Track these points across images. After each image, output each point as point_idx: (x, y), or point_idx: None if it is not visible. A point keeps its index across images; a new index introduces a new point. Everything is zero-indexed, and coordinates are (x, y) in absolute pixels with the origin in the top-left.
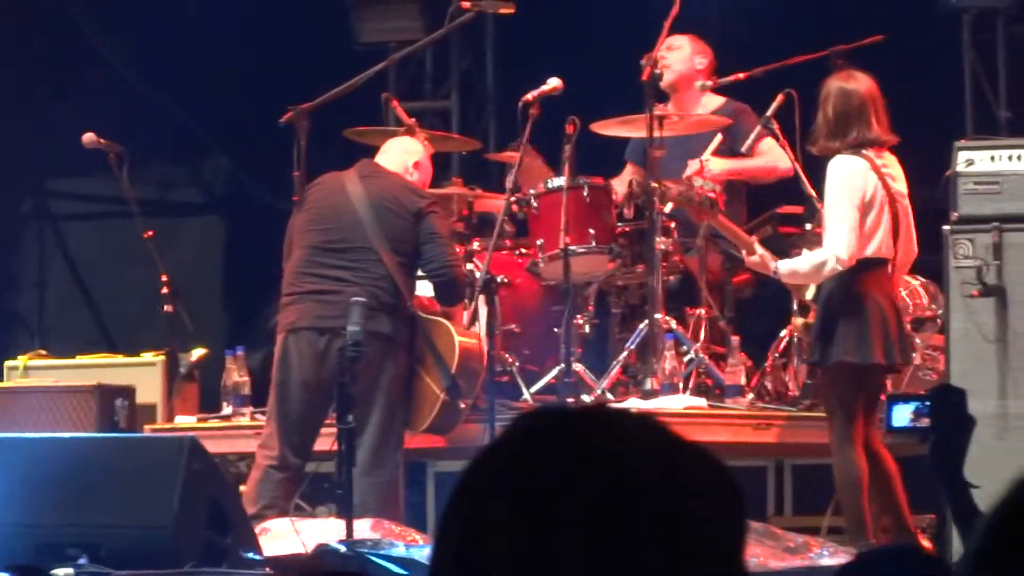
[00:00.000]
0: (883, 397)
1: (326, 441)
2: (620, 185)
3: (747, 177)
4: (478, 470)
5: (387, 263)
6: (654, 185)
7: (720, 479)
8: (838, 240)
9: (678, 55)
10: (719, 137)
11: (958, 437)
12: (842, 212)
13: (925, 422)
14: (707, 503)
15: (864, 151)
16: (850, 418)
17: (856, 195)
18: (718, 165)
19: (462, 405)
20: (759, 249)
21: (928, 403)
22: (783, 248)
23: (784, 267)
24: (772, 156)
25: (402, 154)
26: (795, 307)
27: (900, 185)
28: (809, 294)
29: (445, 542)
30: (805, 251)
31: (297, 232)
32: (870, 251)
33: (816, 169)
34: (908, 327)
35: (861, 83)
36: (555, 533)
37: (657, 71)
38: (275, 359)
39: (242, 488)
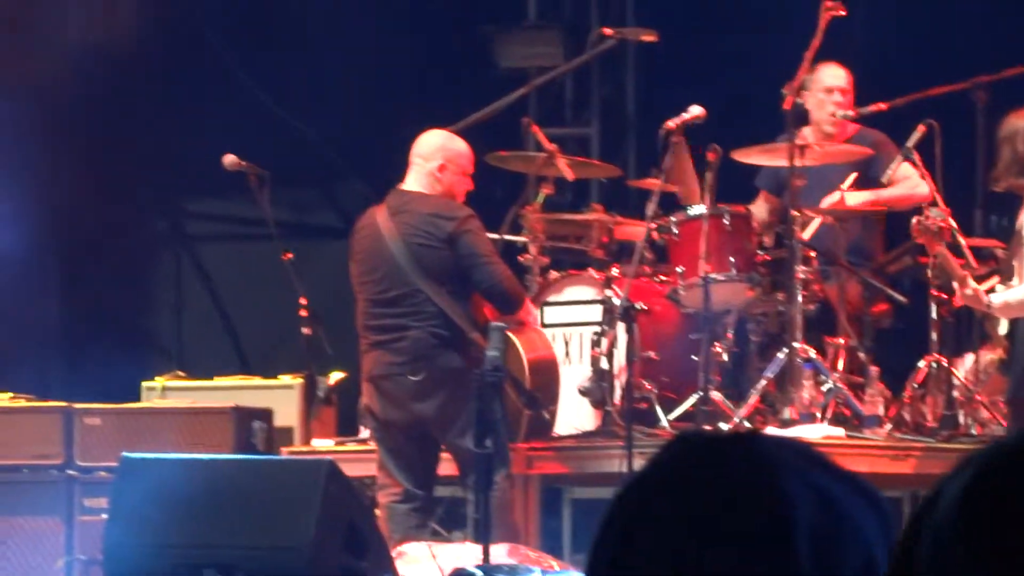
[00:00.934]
0: None
1: (449, 466)
2: (757, 211)
3: (886, 206)
4: (630, 496)
5: (436, 300)
6: (794, 214)
7: (873, 505)
8: None
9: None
10: (854, 175)
11: None
12: None
13: None
14: (860, 529)
15: None
16: None
17: None
18: (856, 198)
19: (547, 415)
20: (972, 283)
21: None
22: (923, 278)
23: (997, 300)
24: (911, 183)
25: (424, 163)
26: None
27: None
28: (1002, 329)
29: (597, 565)
30: (1000, 287)
31: (354, 282)
32: None
33: (957, 201)
34: None
35: None
36: (707, 561)
37: (799, 101)
38: (362, 406)
39: (378, 512)
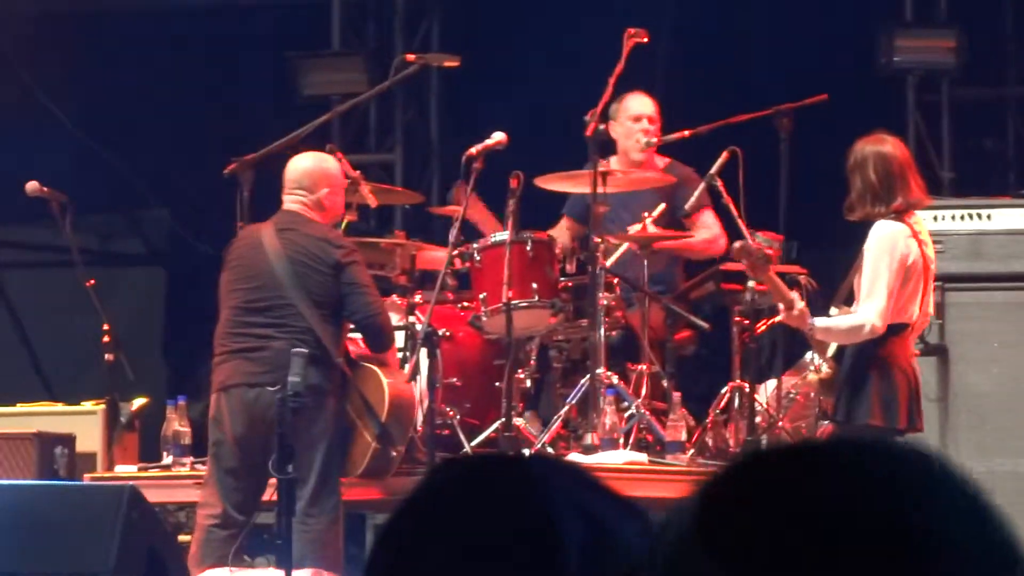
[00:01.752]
0: None
1: (266, 491)
2: (559, 235)
3: (685, 251)
4: (397, 524)
5: (308, 317)
6: (596, 240)
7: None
8: (877, 307)
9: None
10: (662, 206)
11: None
12: (884, 279)
13: None
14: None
15: (904, 217)
16: None
17: (897, 263)
18: (658, 234)
19: (393, 453)
20: (799, 304)
21: None
22: (726, 305)
23: (820, 324)
24: (714, 232)
25: (309, 193)
26: (812, 363)
27: (930, 250)
28: (829, 352)
29: None
30: (834, 310)
31: (223, 291)
32: (898, 317)
33: (760, 227)
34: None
35: (896, 147)
36: None
37: (602, 127)
38: (209, 419)
39: (183, 538)
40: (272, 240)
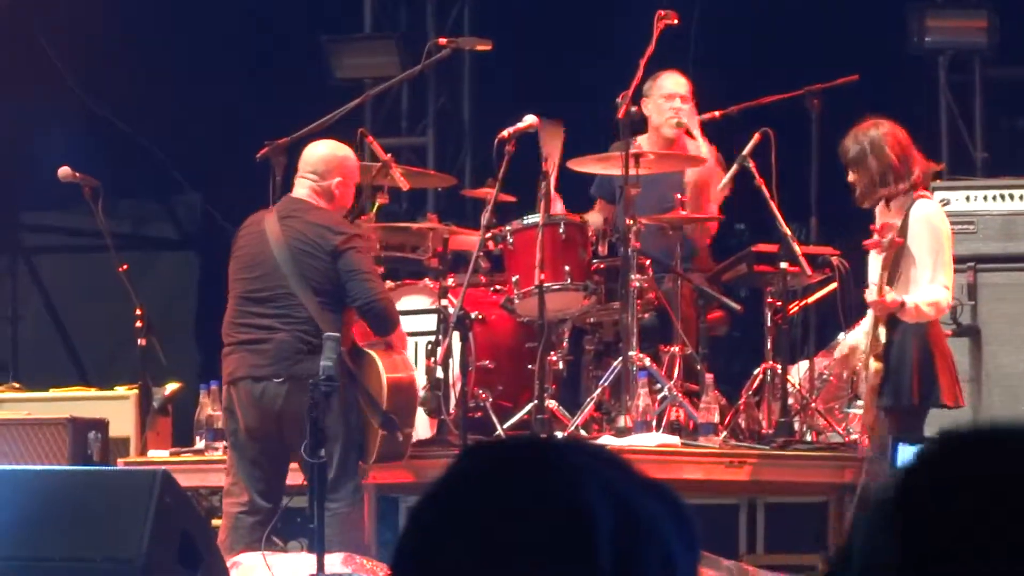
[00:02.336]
0: None
1: (298, 476)
2: (593, 220)
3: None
4: (425, 511)
5: (308, 307)
6: (629, 222)
7: (672, 509)
8: (945, 283)
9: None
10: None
11: None
12: (946, 255)
13: None
14: (660, 532)
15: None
16: None
17: (947, 239)
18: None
19: (401, 437)
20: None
21: None
22: (758, 286)
23: (911, 302)
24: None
25: (321, 180)
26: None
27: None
28: (882, 336)
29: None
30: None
31: (230, 280)
32: None
33: (792, 209)
34: None
35: (894, 125)
36: (508, 564)
37: (634, 109)
38: (223, 409)
39: (215, 522)
40: (274, 228)
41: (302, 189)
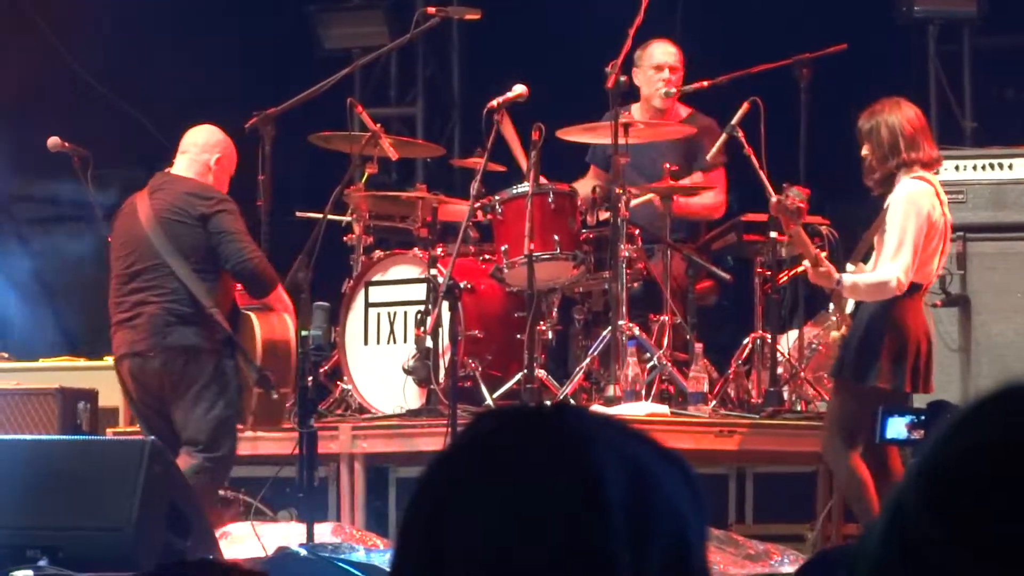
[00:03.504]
0: None
1: (287, 445)
2: (583, 188)
3: (683, 214)
4: (438, 471)
5: (179, 274)
6: (618, 191)
7: (684, 475)
8: (903, 264)
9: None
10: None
11: None
12: (911, 237)
13: (919, 435)
14: (672, 499)
15: (927, 173)
16: (854, 434)
17: (922, 221)
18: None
19: (276, 396)
20: (825, 262)
21: (923, 416)
22: (747, 255)
23: (847, 280)
24: (715, 199)
25: (200, 152)
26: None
27: (947, 209)
28: (848, 308)
29: (406, 546)
30: (850, 267)
31: (110, 260)
32: (917, 277)
33: (780, 178)
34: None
35: (913, 107)
36: (520, 536)
37: (623, 79)
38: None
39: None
40: (144, 202)
41: (178, 163)
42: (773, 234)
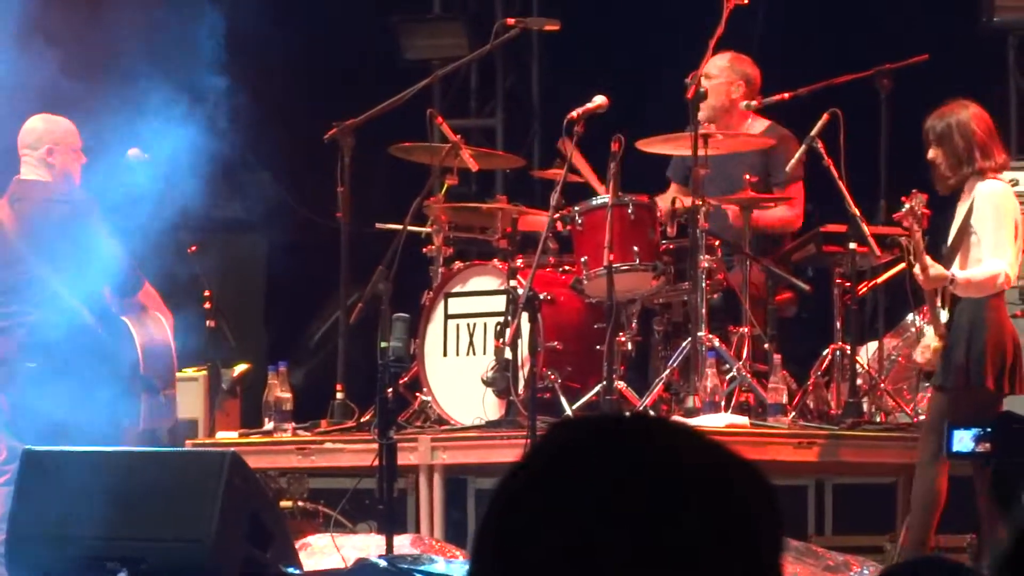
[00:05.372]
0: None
1: (366, 457)
2: (664, 203)
3: (757, 227)
4: (514, 482)
5: (53, 282)
6: (698, 203)
7: (760, 489)
8: (1008, 259)
9: (716, 83)
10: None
11: (1019, 464)
12: (1007, 232)
13: (986, 448)
14: (748, 513)
15: (1000, 177)
16: None
17: (1012, 218)
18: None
19: (162, 399)
20: (931, 262)
21: (990, 429)
22: (827, 266)
23: (961, 276)
24: (791, 212)
25: (34, 151)
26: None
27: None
28: (943, 317)
29: (482, 555)
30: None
31: None
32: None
33: (861, 189)
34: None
35: (975, 110)
36: (596, 539)
37: (702, 90)
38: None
39: (284, 504)
40: (7, 213)
41: (25, 168)
42: (852, 245)
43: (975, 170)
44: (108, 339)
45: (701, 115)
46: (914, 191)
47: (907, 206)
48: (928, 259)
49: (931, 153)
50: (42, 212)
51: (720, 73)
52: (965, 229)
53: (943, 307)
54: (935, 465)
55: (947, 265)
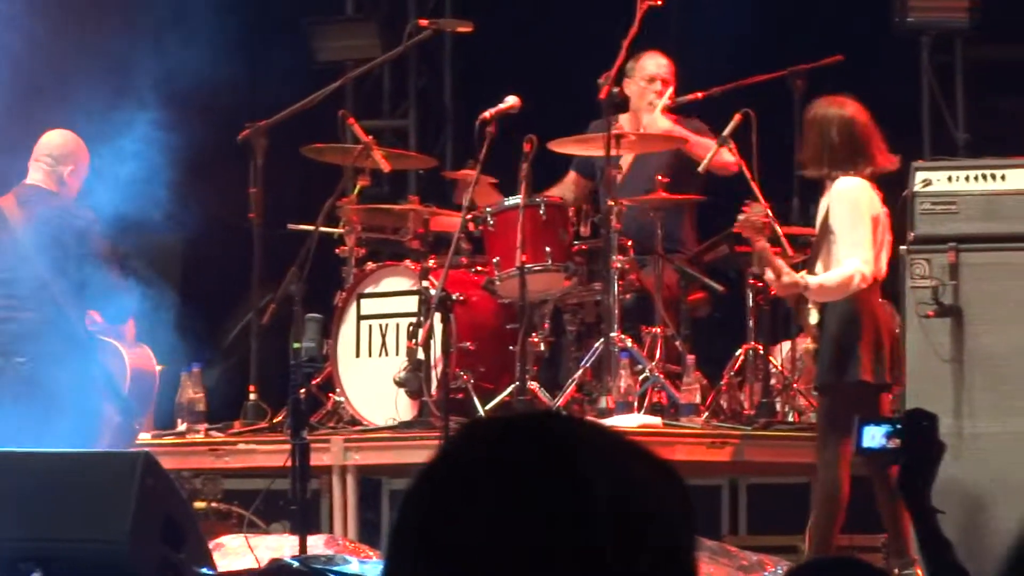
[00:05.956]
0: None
1: (279, 457)
2: (561, 192)
3: (688, 148)
4: (428, 478)
5: (53, 288)
6: (610, 203)
7: (673, 488)
8: (862, 256)
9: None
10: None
11: (927, 462)
12: (863, 230)
13: (896, 444)
14: (662, 507)
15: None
16: (848, 439)
17: (868, 213)
18: (663, 123)
19: (136, 426)
20: (786, 268)
21: (900, 426)
22: (739, 267)
23: (813, 282)
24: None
25: (58, 164)
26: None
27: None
28: (813, 319)
29: (399, 551)
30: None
31: None
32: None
33: (774, 189)
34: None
35: (860, 112)
36: (509, 543)
37: (615, 90)
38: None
39: (198, 505)
40: (15, 212)
41: (36, 175)
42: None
43: (827, 174)
44: (95, 352)
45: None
46: (749, 201)
47: (743, 216)
48: (783, 266)
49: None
50: (55, 220)
51: (671, 76)
52: (825, 229)
53: (813, 308)
54: (834, 466)
55: (812, 268)
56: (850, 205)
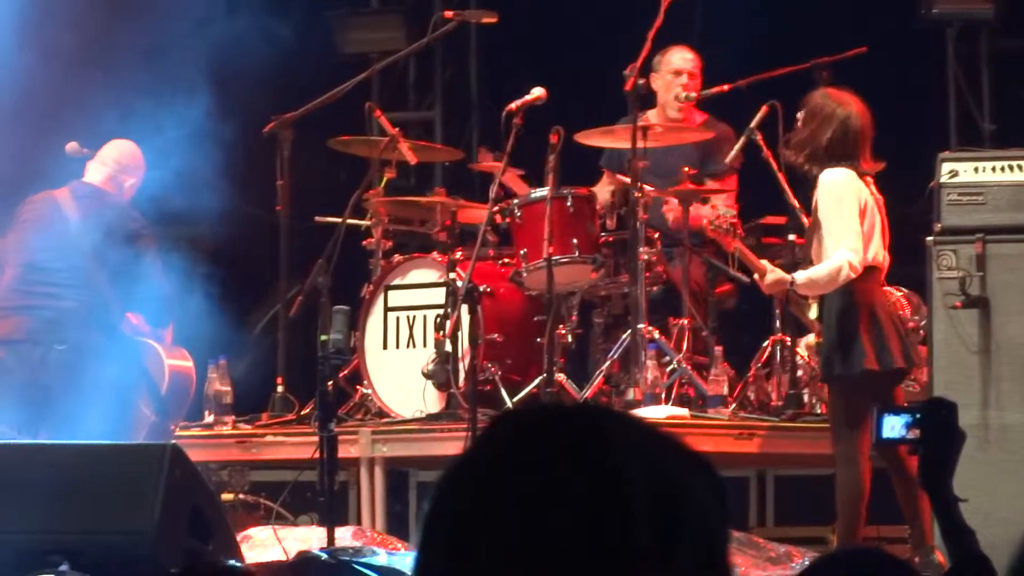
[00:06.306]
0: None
1: (307, 450)
2: (600, 193)
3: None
4: (460, 472)
5: (96, 280)
6: (637, 195)
7: (704, 475)
8: (850, 246)
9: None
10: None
11: (948, 451)
12: (847, 219)
13: (916, 434)
14: (696, 499)
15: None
16: (862, 430)
17: (854, 202)
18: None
19: (172, 427)
20: (769, 267)
21: (920, 415)
22: (767, 258)
23: (801, 277)
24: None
25: (122, 172)
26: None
27: (876, 195)
28: (812, 314)
29: (431, 544)
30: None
31: (10, 248)
32: (869, 257)
33: (800, 180)
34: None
35: (860, 111)
36: (544, 535)
37: (642, 82)
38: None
39: (225, 497)
40: (71, 204)
41: (96, 175)
42: (792, 237)
43: (804, 165)
44: (136, 350)
45: (673, 114)
46: (711, 206)
47: (707, 222)
48: (765, 264)
49: (798, 121)
50: (111, 219)
51: (697, 70)
52: (815, 222)
53: (812, 302)
54: (852, 461)
55: (806, 261)
56: (833, 196)
